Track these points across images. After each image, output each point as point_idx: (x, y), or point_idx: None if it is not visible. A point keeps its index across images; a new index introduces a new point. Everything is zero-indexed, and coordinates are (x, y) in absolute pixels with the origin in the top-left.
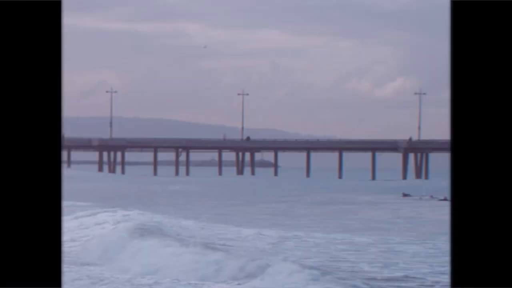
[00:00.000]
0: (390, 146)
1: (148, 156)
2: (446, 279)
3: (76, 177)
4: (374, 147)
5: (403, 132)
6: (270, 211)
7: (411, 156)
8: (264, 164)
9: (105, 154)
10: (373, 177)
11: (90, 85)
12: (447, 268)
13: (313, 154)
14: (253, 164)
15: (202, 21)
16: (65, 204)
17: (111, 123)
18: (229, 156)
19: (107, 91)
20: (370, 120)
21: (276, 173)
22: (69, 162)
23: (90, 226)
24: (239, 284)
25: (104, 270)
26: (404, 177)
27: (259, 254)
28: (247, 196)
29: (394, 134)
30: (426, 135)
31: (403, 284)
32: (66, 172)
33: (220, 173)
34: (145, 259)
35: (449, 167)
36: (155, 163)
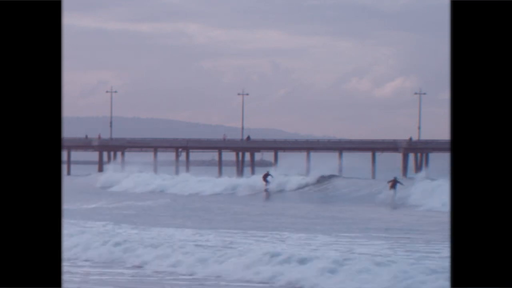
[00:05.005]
0: (390, 146)
1: (148, 156)
2: None
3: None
4: (374, 147)
5: (403, 132)
6: None
7: (411, 156)
8: (264, 164)
9: (105, 154)
10: (373, 177)
11: (90, 85)
12: None
13: (313, 154)
14: (253, 164)
15: (202, 21)
16: None
17: (111, 123)
18: (229, 156)
19: (107, 91)
20: (370, 120)
21: None
22: (69, 168)
23: None
24: None
25: None
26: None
27: None
28: None
29: (394, 134)
30: (426, 135)
31: None
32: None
33: (220, 173)
34: None
35: (449, 167)
36: (155, 163)
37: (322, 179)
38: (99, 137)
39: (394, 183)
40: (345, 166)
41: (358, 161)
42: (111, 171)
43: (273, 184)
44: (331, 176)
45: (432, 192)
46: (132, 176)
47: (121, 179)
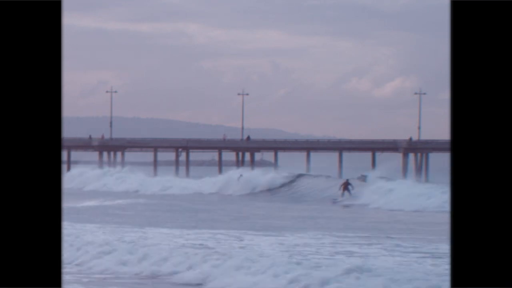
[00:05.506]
0: (390, 146)
1: (148, 156)
2: None
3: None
4: (374, 147)
5: (403, 132)
6: None
7: (411, 156)
8: (264, 164)
9: (105, 154)
10: None
11: (90, 85)
12: None
13: (313, 154)
14: (253, 164)
15: (202, 21)
16: None
17: (111, 123)
18: (229, 156)
19: (107, 91)
20: (370, 120)
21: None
22: (69, 168)
23: None
24: None
25: None
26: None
27: None
28: None
29: (394, 134)
30: (426, 135)
31: None
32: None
33: (220, 173)
34: None
35: (449, 167)
36: (155, 163)
37: (289, 180)
38: (103, 137)
39: (346, 186)
40: (345, 166)
41: (358, 161)
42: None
43: (241, 186)
44: (300, 175)
45: (381, 192)
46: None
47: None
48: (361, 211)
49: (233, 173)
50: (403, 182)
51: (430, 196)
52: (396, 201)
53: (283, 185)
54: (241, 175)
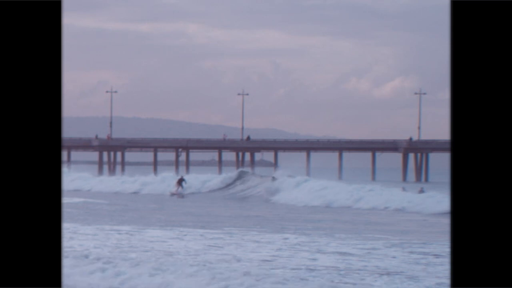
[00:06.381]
0: (390, 146)
1: (148, 156)
2: None
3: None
4: (374, 147)
5: (403, 132)
6: None
7: (411, 156)
8: (264, 164)
9: (105, 154)
10: (373, 177)
11: (90, 85)
12: None
13: (313, 154)
14: (253, 164)
15: (202, 21)
16: None
17: (111, 123)
18: (229, 156)
19: (107, 91)
20: (370, 120)
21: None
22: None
23: None
24: None
25: None
26: (404, 177)
27: None
28: None
29: (394, 134)
30: (426, 135)
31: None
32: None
33: (220, 173)
34: None
35: (449, 167)
36: (155, 163)
37: (229, 181)
38: (108, 137)
39: (180, 182)
40: (346, 167)
41: (358, 161)
42: None
43: (186, 190)
44: (242, 174)
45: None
46: None
47: None
48: (283, 207)
49: (173, 175)
50: (310, 180)
51: (338, 192)
52: (304, 198)
53: (221, 187)
54: (182, 177)
